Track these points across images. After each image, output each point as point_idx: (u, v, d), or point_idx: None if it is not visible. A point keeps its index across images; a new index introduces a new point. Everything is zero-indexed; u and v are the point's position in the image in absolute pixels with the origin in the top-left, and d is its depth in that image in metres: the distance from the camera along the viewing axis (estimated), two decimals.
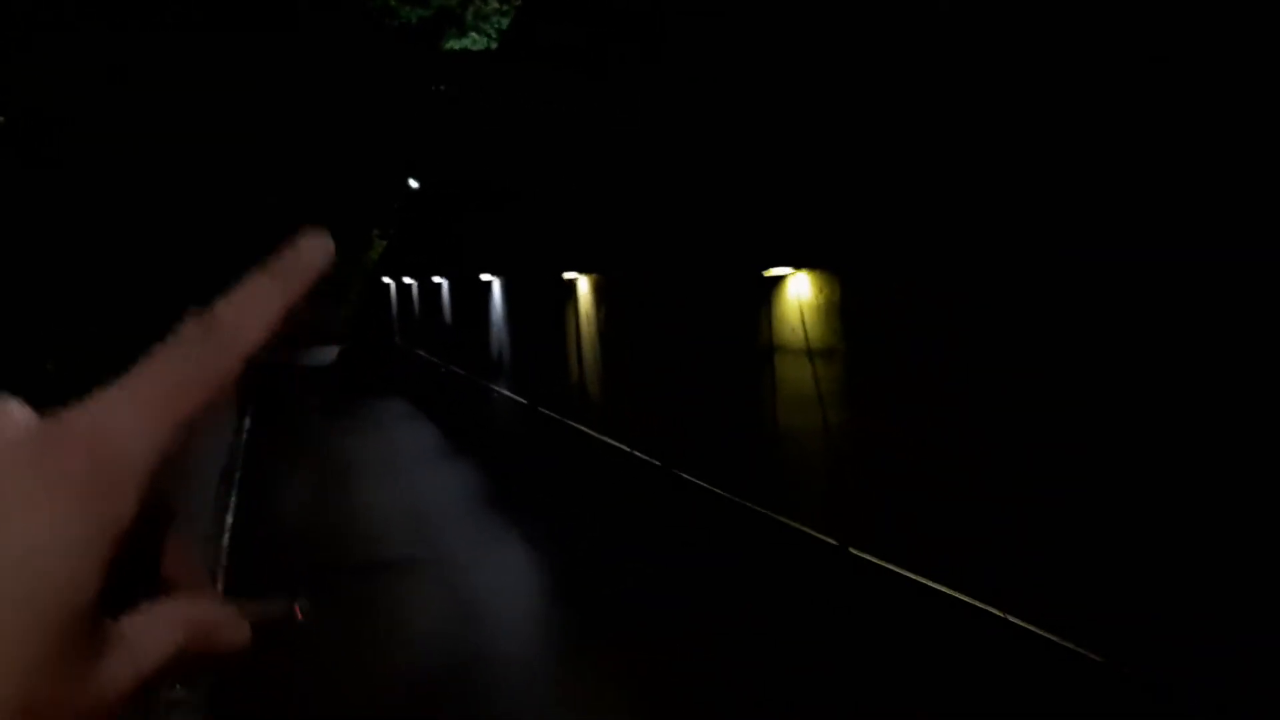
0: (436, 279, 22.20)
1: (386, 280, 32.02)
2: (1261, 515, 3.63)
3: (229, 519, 11.88)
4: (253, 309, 0.37)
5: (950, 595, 5.33)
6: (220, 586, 9.32)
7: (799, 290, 6.55)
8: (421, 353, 24.51)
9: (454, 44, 27.19)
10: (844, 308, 6.14)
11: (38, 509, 0.32)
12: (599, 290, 10.80)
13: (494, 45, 25.17)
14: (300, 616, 0.42)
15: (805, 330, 6.50)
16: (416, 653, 7.75)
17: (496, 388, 16.14)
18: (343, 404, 23.81)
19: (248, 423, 20.73)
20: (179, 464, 0.35)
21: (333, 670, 7.54)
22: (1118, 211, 4.10)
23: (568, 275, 11.58)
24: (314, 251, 0.39)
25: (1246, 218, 3.59)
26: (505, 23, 24.72)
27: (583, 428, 11.47)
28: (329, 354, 35.28)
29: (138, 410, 0.34)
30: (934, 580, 5.48)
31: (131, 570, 0.35)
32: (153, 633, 0.35)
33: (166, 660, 0.35)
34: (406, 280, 27.49)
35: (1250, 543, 3.69)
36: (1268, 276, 3.52)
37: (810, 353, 6.49)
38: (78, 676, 0.31)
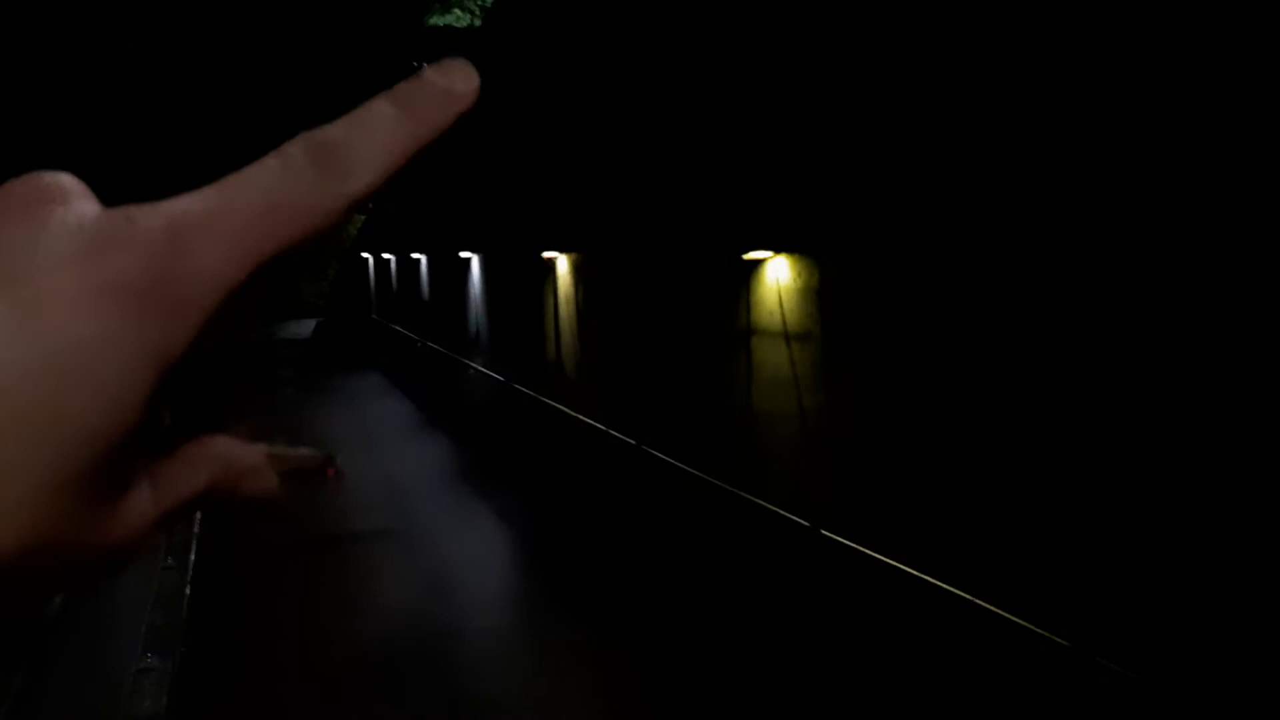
0: (415, 255, 22.11)
1: (365, 255, 31.83)
2: (1260, 508, 3.71)
3: None
4: (372, 140, 0.31)
5: (919, 578, 5.41)
6: (193, 558, 9.32)
7: (778, 274, 6.60)
8: (398, 328, 24.42)
9: (437, 20, 27.01)
10: (822, 292, 6.19)
11: (80, 311, 0.26)
12: (578, 269, 10.81)
13: (477, 23, 25.03)
14: (333, 472, 0.39)
15: (783, 314, 6.56)
16: (385, 625, 7.78)
17: (473, 364, 16.13)
18: (318, 377, 23.73)
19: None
20: (247, 306, 0.30)
21: (302, 640, 7.56)
22: (1102, 190, 4.16)
23: (547, 254, 11.58)
24: (456, 81, 0.32)
25: (1244, 214, 3.65)
26: (489, 0, 24.58)
27: (558, 405, 11.50)
28: (305, 327, 35.09)
29: (220, 228, 0.29)
30: (903, 563, 5.56)
31: (172, 405, 0.31)
32: (179, 472, 0.32)
33: (188, 501, 0.32)
34: (385, 255, 27.35)
35: (1245, 535, 3.77)
36: (1260, 266, 3.59)
37: (787, 336, 6.54)
38: (93, 512, 0.28)
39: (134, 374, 0.27)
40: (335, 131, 0.31)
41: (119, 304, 0.27)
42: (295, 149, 0.30)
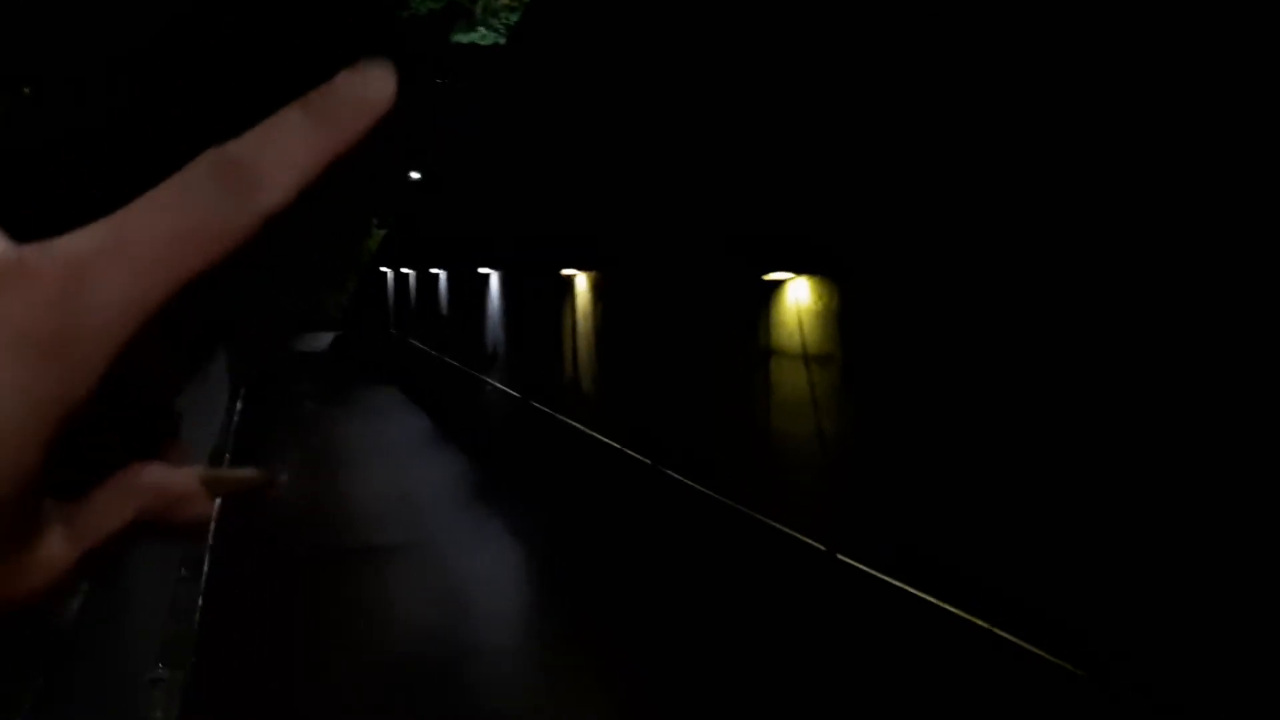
0: (434, 270, 22.21)
1: (384, 269, 31.99)
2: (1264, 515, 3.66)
3: (217, 501, 11.86)
4: (282, 152, 0.29)
5: (936, 605, 5.36)
6: (206, 569, 9.33)
7: (798, 296, 6.58)
8: (416, 342, 24.50)
9: (462, 38, 27.19)
10: (842, 314, 6.17)
11: None
12: (597, 288, 10.83)
13: (502, 41, 25.19)
14: (276, 485, 0.37)
15: (803, 335, 6.54)
16: (399, 640, 7.77)
17: (490, 380, 16.15)
18: (335, 391, 23.81)
19: (239, 405, 20.72)
20: (164, 335, 0.29)
21: (316, 653, 7.55)
22: (1110, 204, 4.14)
23: (566, 271, 11.61)
24: (370, 86, 0.30)
25: (1243, 218, 3.62)
26: (515, 18, 24.73)
27: (574, 423, 11.49)
28: (323, 341, 35.26)
29: (122, 263, 0.27)
30: (920, 590, 5.51)
31: (87, 445, 0.29)
32: (104, 506, 0.30)
33: (114, 534, 0.30)
34: (404, 270, 27.48)
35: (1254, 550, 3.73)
36: (1259, 271, 3.56)
37: (806, 358, 6.52)
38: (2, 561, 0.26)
39: (31, 423, 0.25)
40: (242, 146, 0.29)
41: (12, 355, 0.25)
42: (199, 168, 0.28)
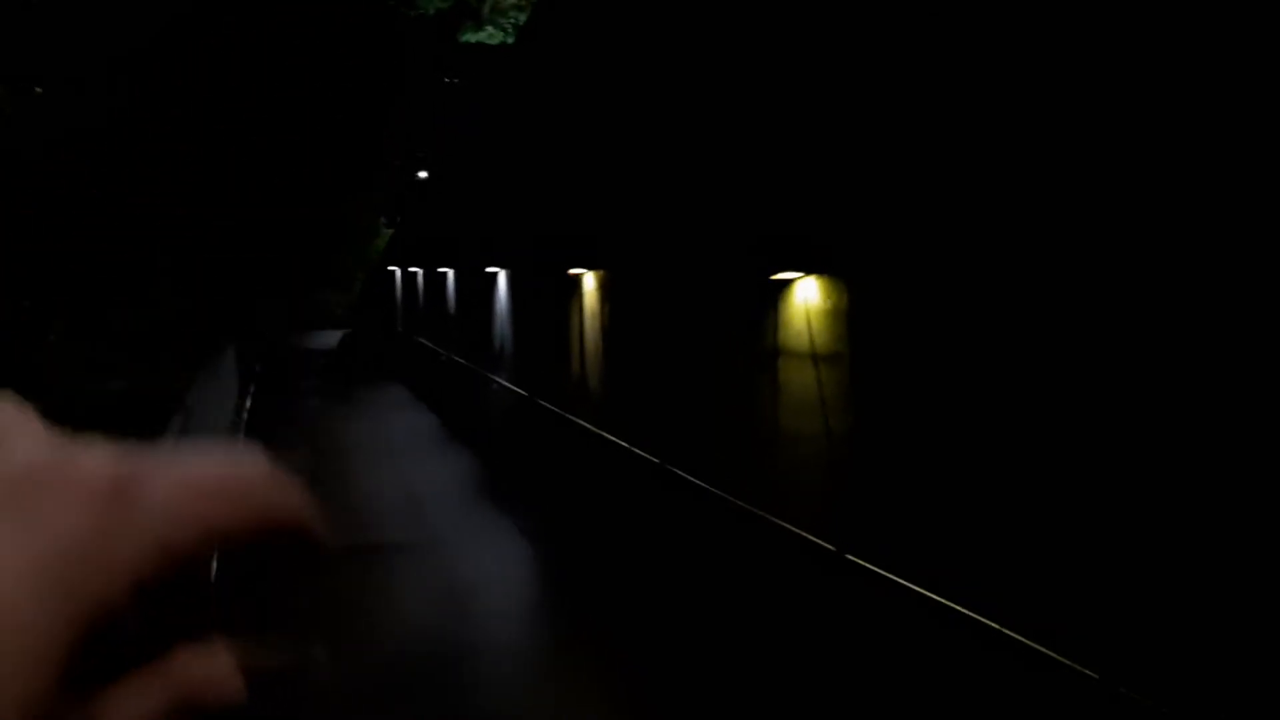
0: (441, 269, 22.21)
1: (391, 268, 32.00)
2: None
3: None
4: (291, 497, 0.31)
5: (946, 605, 5.34)
6: (213, 566, 9.31)
7: (807, 295, 6.56)
8: (423, 341, 24.50)
9: (470, 37, 27.20)
10: (851, 314, 6.14)
11: (3, 582, 0.24)
12: (604, 286, 10.81)
13: (510, 40, 25.18)
14: (312, 664, 0.35)
15: (811, 335, 6.51)
16: (403, 639, 7.76)
17: (496, 378, 16.14)
18: (342, 388, 23.84)
19: (248, 403, 20.75)
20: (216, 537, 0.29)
21: (323, 651, 7.55)
22: (1117, 200, 4.11)
23: (573, 270, 11.59)
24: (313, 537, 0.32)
25: (1242, 217, 3.59)
26: (522, 18, 24.72)
27: (581, 421, 11.48)
28: (331, 338, 35.31)
29: (174, 490, 0.27)
30: (930, 590, 5.49)
31: (113, 639, 0.28)
32: (127, 704, 0.28)
33: None
34: (411, 269, 27.49)
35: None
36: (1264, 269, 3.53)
37: (815, 357, 6.49)
38: None
39: (56, 632, 0.24)
40: (281, 473, 0.30)
41: (49, 569, 0.24)
42: (257, 454, 0.30)
